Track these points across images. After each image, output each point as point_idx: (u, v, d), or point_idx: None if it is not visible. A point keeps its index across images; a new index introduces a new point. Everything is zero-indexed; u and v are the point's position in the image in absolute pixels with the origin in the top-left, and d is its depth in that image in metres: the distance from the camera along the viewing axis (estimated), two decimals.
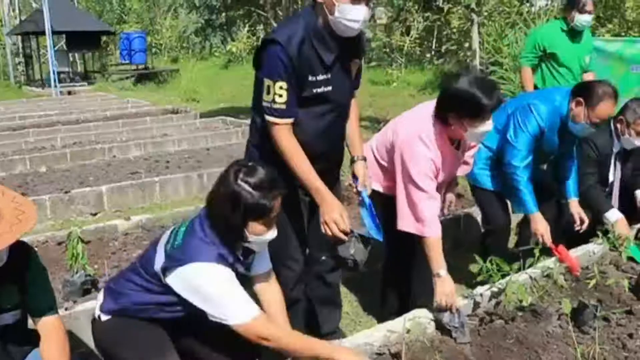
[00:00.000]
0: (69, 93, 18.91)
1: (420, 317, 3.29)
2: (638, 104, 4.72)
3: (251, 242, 2.66)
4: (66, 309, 3.54)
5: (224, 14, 11.93)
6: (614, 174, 4.86)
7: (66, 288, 4.05)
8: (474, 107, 3.20)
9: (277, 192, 2.58)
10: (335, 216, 2.93)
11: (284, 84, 2.88)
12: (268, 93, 2.91)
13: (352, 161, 3.32)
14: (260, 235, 2.64)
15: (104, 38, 24.74)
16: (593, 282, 3.60)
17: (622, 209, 4.67)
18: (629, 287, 3.68)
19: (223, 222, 2.61)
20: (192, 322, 2.76)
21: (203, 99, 16.88)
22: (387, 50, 18.79)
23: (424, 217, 3.30)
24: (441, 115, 3.35)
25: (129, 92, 19.31)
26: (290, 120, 2.96)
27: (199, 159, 8.47)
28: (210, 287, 2.57)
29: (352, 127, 3.36)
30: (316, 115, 3.07)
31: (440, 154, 3.37)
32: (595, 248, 4.36)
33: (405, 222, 3.39)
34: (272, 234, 2.68)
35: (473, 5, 10.03)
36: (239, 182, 2.54)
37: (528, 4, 13.58)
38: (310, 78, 2.96)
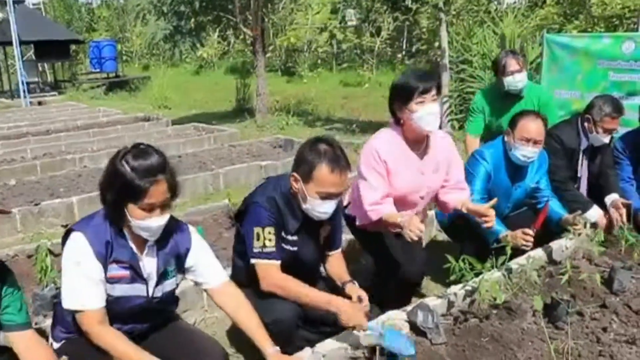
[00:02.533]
0: (39, 103, 18.70)
1: (394, 319, 3.26)
2: (603, 101, 4.78)
3: (133, 226, 2.64)
4: (36, 324, 3.46)
5: (192, 20, 11.78)
6: (581, 170, 4.89)
7: (36, 302, 3.97)
8: (405, 90, 3.56)
9: (155, 178, 2.55)
10: (359, 320, 2.96)
11: (272, 229, 3.13)
12: (258, 239, 3.12)
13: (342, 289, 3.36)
14: (140, 220, 2.61)
15: (73, 47, 24.49)
16: (565, 277, 3.60)
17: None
18: (601, 281, 3.68)
19: (103, 199, 2.67)
20: (142, 335, 2.80)
21: (175, 106, 16.80)
22: (358, 51, 18.86)
23: (366, 204, 3.63)
24: (393, 116, 3.70)
25: (100, 100, 19.16)
26: (279, 262, 3.16)
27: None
28: (65, 259, 2.67)
29: (338, 271, 3.49)
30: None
31: (397, 156, 3.67)
32: (567, 243, 4.37)
33: (360, 217, 3.79)
34: (156, 221, 2.63)
35: (441, 5, 10.05)
36: (122, 161, 2.57)
37: (496, 2, 13.70)
38: (282, 234, 3.22)
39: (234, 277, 3.38)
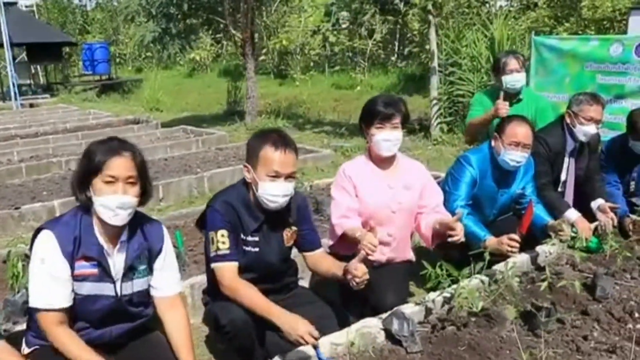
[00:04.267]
0: (31, 105, 18.58)
1: (369, 327, 3.20)
2: (579, 94, 4.83)
3: (96, 205, 2.66)
4: (5, 330, 3.38)
5: (181, 22, 11.70)
6: (567, 173, 4.84)
7: (7, 308, 3.89)
8: (369, 113, 3.79)
9: (118, 150, 2.65)
10: (300, 333, 2.85)
11: (225, 232, 3.14)
12: (213, 243, 3.14)
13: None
14: (100, 195, 2.63)
15: (66, 49, 24.40)
16: (544, 284, 3.53)
17: (577, 207, 4.65)
18: (580, 288, 3.61)
19: (72, 185, 2.75)
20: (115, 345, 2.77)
21: (167, 109, 16.74)
22: (350, 54, 18.81)
23: (334, 219, 3.80)
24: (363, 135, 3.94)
25: (92, 103, 19.06)
26: (236, 263, 3.15)
27: (156, 170, 8.31)
28: (32, 258, 2.69)
29: (327, 265, 3.46)
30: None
31: (362, 171, 3.87)
32: (551, 249, 4.32)
33: (333, 238, 3.89)
34: (118, 199, 2.64)
35: (430, 7, 10.01)
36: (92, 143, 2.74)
37: (488, 5, 13.66)
38: (242, 236, 3.23)
39: (209, 284, 3.40)
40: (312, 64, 19.61)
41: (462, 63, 10.80)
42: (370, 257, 3.34)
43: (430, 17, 10.43)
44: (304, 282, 4.33)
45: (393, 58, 18.45)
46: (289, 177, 3.15)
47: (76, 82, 23.55)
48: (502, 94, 5.20)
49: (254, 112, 12.84)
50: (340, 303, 3.68)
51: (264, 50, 20.08)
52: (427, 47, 10.70)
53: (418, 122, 11.52)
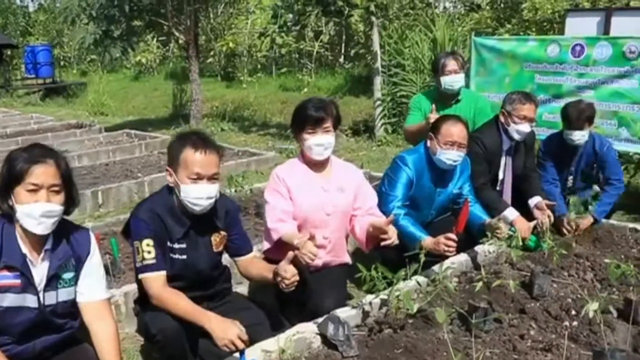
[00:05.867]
0: None
1: (304, 332, 3.14)
2: (512, 93, 4.91)
3: (19, 215, 2.58)
4: None
5: (124, 25, 11.48)
6: (504, 172, 4.88)
7: None
8: (300, 118, 3.75)
9: (40, 158, 2.57)
10: (230, 337, 2.81)
11: (150, 241, 3.06)
12: (138, 253, 3.06)
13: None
14: (22, 204, 2.56)
15: (7, 52, 23.77)
16: (479, 285, 3.52)
17: (515, 205, 4.68)
18: (514, 286, 3.61)
19: None
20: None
21: (112, 112, 16.47)
22: (297, 56, 18.77)
23: (269, 223, 3.72)
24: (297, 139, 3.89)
25: (36, 107, 18.63)
26: (163, 272, 3.08)
27: (96, 175, 8.14)
28: None
29: (258, 270, 3.43)
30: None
31: (296, 174, 3.81)
32: (490, 248, 4.33)
33: (269, 242, 3.78)
34: (41, 207, 2.56)
35: (372, 8, 10.04)
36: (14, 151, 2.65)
37: (432, 7, 13.81)
38: (168, 244, 3.16)
39: (139, 293, 3.32)
40: (259, 66, 19.53)
41: (405, 64, 10.90)
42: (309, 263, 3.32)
43: (373, 19, 10.47)
44: (244, 288, 4.27)
45: (340, 60, 18.49)
46: (212, 178, 3.09)
47: (18, 86, 22.96)
48: (433, 106, 5.24)
49: (199, 115, 12.70)
50: (277, 309, 3.63)
51: (211, 53, 19.93)
52: (372, 48, 10.71)
53: (363, 123, 11.56)
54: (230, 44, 18.24)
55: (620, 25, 6.64)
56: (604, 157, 5.06)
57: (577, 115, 4.91)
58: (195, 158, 3.04)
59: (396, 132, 10.46)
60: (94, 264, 2.86)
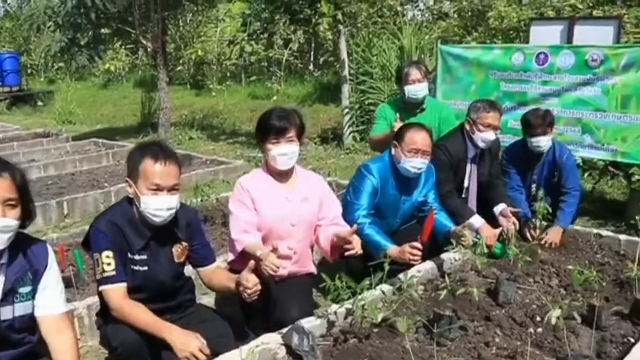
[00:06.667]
0: None
1: (268, 343, 3.12)
2: (476, 101, 4.95)
3: None
4: None
5: (90, 32, 11.36)
6: (470, 179, 4.90)
7: None
8: (264, 128, 3.72)
9: None
10: (191, 349, 2.84)
11: (109, 253, 3.03)
12: (98, 265, 3.04)
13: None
14: None
15: None
16: (444, 293, 3.53)
17: (480, 212, 4.71)
18: (478, 294, 3.61)
19: None
20: None
21: (80, 121, 16.24)
22: (267, 64, 18.75)
23: (233, 235, 3.71)
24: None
25: (2, 116, 18.32)
26: (123, 284, 3.06)
27: (62, 185, 8.02)
28: None
29: (221, 279, 3.41)
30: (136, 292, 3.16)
31: (260, 184, 3.80)
32: (456, 255, 4.34)
33: (233, 254, 3.80)
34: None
35: (340, 17, 10.08)
36: None
37: (400, 15, 13.88)
38: (129, 255, 3.13)
39: (101, 306, 3.29)
40: (228, 74, 19.47)
41: (373, 72, 10.94)
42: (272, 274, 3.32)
43: (341, 27, 10.51)
44: (210, 298, 4.23)
45: (310, 67, 18.51)
46: (172, 189, 3.07)
47: None
48: (397, 115, 5.26)
49: (167, 123, 12.57)
50: (242, 320, 3.61)
51: (181, 61, 19.81)
52: (340, 56, 10.75)
53: (332, 131, 11.57)
54: (200, 52, 18.14)
55: (583, 34, 6.71)
56: (563, 165, 5.11)
57: (541, 121, 4.96)
58: (155, 169, 3.02)
59: (364, 140, 10.46)
60: (52, 277, 2.79)
